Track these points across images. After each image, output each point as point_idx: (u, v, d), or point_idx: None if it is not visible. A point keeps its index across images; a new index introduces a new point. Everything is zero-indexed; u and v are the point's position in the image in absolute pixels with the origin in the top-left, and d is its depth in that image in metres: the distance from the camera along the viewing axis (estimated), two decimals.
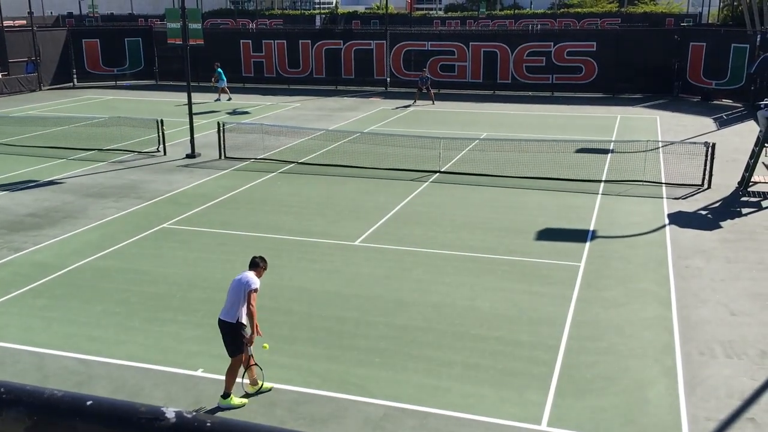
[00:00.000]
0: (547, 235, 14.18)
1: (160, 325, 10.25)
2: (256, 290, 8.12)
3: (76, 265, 12.65)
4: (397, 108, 32.48)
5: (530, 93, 37.00)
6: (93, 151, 22.49)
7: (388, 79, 39.48)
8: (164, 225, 14.95)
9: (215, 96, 34.62)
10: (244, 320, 8.15)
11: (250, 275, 8.25)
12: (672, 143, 21.97)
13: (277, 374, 8.79)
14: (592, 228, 14.62)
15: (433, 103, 33.67)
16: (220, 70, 34.72)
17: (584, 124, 27.88)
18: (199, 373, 8.86)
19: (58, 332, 10.04)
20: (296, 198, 17.01)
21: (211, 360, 9.15)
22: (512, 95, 36.67)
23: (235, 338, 8.15)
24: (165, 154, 22.02)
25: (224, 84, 34.91)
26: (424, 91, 33.82)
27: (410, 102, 33.88)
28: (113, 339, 9.81)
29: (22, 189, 18.01)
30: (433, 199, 16.96)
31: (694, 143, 19.54)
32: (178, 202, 16.71)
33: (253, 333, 8.18)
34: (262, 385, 8.38)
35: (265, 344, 8.49)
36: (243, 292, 8.09)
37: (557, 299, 11.04)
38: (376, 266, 12.49)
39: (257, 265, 8.49)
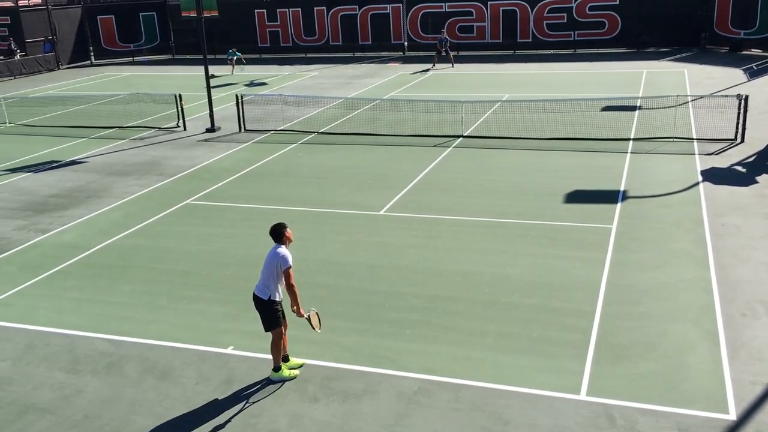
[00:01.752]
0: (577, 197, 13.84)
1: (188, 303, 10.18)
2: (290, 267, 7.77)
3: (103, 245, 12.61)
4: (416, 72, 31.98)
5: (552, 51, 36.21)
6: (113, 129, 22.43)
7: (406, 43, 38.85)
8: (188, 201, 14.86)
9: (233, 70, 34.44)
10: (277, 297, 7.93)
11: (282, 251, 7.82)
12: (702, 97, 21.34)
13: (308, 350, 8.68)
14: (622, 188, 14.25)
15: (453, 66, 33.06)
16: (231, 51, 34.93)
17: (609, 81, 27.20)
18: (230, 350, 8.79)
19: (87, 313, 10.02)
20: (318, 169, 16.81)
21: (241, 337, 9.07)
22: (533, 54, 35.93)
23: (268, 314, 7.95)
24: (185, 129, 21.90)
25: (237, 56, 34.85)
26: (443, 53, 33.19)
27: (429, 66, 33.30)
28: (142, 318, 9.77)
29: (45, 170, 18.01)
30: (458, 164, 16.65)
31: (725, 96, 18.95)
32: (201, 177, 16.60)
33: (299, 308, 7.90)
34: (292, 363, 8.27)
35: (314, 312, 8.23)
36: (276, 269, 7.81)
37: (590, 263, 10.77)
38: (403, 236, 12.29)
39: (281, 234, 7.94)
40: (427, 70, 32.63)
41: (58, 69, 39.29)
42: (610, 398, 7.49)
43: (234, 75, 33.80)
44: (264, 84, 30.74)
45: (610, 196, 13.77)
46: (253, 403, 7.73)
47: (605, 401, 7.44)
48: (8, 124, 23.71)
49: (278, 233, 7.97)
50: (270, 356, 8.16)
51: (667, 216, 12.63)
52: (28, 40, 38.83)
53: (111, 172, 17.46)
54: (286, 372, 8.14)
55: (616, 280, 10.18)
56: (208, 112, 21.80)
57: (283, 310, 8.07)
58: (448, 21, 37.24)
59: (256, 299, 8.00)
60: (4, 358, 8.90)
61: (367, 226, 12.83)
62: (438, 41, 33.50)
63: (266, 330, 8.05)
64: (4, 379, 8.43)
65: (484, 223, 12.66)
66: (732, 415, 7.13)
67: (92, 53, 41.56)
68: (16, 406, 7.89)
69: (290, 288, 7.80)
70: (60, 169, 18.10)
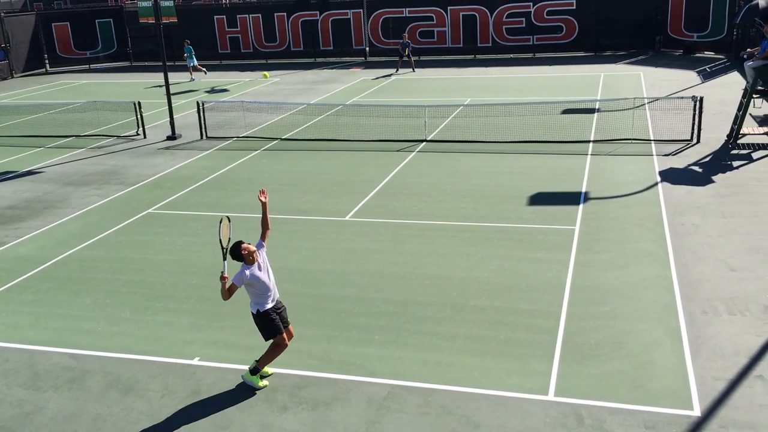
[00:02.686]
0: (540, 199, 13.99)
1: (152, 314, 9.99)
2: (234, 284, 7.76)
3: (61, 256, 12.32)
4: (378, 78, 32.01)
5: (512, 55, 36.59)
6: (71, 138, 21.96)
7: (368, 49, 38.89)
8: (149, 210, 14.60)
9: (190, 77, 33.86)
10: (267, 307, 7.94)
11: (240, 270, 7.79)
12: (658, 99, 21.78)
13: (277, 359, 8.57)
14: (584, 190, 14.44)
15: (414, 71, 33.20)
16: (189, 47, 33.63)
17: (568, 84, 27.60)
18: (196, 361, 8.64)
19: (47, 327, 9.77)
20: (282, 175, 16.69)
21: (207, 347, 8.93)
22: (494, 58, 36.25)
23: (260, 325, 8.00)
24: (145, 137, 21.55)
25: (194, 63, 33.73)
26: (406, 58, 33.31)
27: (392, 71, 33.37)
28: (105, 331, 9.55)
29: None
30: (422, 169, 16.69)
31: (681, 98, 19.37)
32: (162, 186, 16.34)
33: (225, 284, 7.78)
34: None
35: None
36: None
37: (555, 265, 10.88)
38: (370, 241, 12.27)
39: (238, 254, 7.80)
40: (390, 75, 32.71)
41: (12, 78, 38.35)
42: (577, 398, 7.57)
43: (194, 82, 33.28)
44: (225, 90, 30.44)
45: (572, 198, 13.95)
46: (222, 414, 7.61)
47: (573, 401, 7.51)
48: None
49: (235, 253, 7.81)
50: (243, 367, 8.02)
51: (628, 216, 12.84)
52: None
53: (69, 182, 17.08)
54: (259, 381, 8.04)
55: (580, 281, 10.30)
56: (168, 119, 21.49)
57: (281, 317, 8.06)
58: (409, 26, 37.35)
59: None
60: None
61: (333, 233, 12.77)
62: (401, 46, 33.60)
63: (266, 339, 8.08)
64: None
65: (449, 227, 12.71)
66: (697, 411, 7.25)
67: (47, 61, 40.67)
68: None
69: (222, 295, 7.75)
70: (15, 179, 17.64)
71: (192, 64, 33.60)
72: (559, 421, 7.21)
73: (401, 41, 33.91)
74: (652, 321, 9.10)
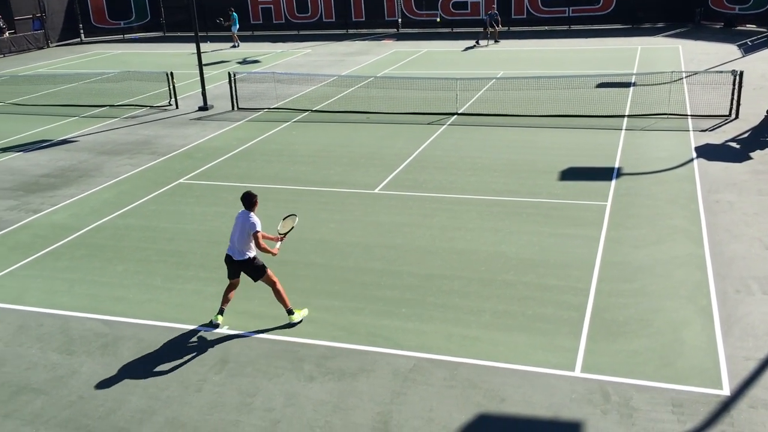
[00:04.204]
0: (571, 174, 13.80)
1: (183, 282, 10.13)
2: (259, 231, 8.39)
3: (95, 224, 12.53)
4: (467, 49, 31.49)
5: (546, 27, 35.96)
6: (105, 108, 22.21)
7: (400, 20, 38.50)
8: (180, 180, 14.75)
9: (230, 44, 34.37)
10: (254, 254, 8.54)
11: (253, 218, 8.41)
12: (696, 73, 21.26)
13: (303, 329, 8.68)
14: (617, 165, 14.21)
15: (497, 41, 32.49)
16: (235, 14, 35.06)
17: (604, 58, 27.06)
18: (225, 330, 8.76)
19: (81, 294, 9.97)
20: (312, 147, 16.70)
21: (235, 317, 9.04)
22: (528, 31, 35.65)
23: (252, 269, 8.59)
24: (177, 107, 21.70)
25: (236, 30, 34.88)
26: (490, 29, 32.44)
27: (473, 42, 32.59)
28: (137, 299, 9.73)
29: (36, 149, 17.85)
30: (452, 142, 16.56)
31: (720, 72, 18.87)
32: (193, 156, 16.48)
33: (275, 252, 8.64)
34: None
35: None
36: (247, 235, 8.39)
37: (585, 241, 10.75)
38: (398, 214, 12.25)
39: (252, 202, 8.53)
40: (473, 46, 32.05)
41: (48, 47, 38.82)
42: (604, 375, 7.52)
43: (235, 50, 33.89)
44: (257, 62, 30.46)
45: (605, 173, 13.74)
46: (248, 382, 7.73)
47: (600, 378, 7.47)
48: None
49: (250, 201, 8.53)
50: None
51: (662, 193, 12.61)
52: (16, 18, 38.29)
53: (102, 151, 17.31)
54: (297, 315, 8.77)
55: (610, 257, 10.18)
56: (200, 90, 21.60)
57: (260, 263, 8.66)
58: None
59: (237, 262, 8.55)
60: None
61: (361, 205, 12.77)
62: (487, 16, 32.85)
63: (256, 280, 8.67)
64: None
65: (479, 201, 12.62)
66: (726, 391, 7.16)
67: (82, 31, 41.05)
68: (10, 387, 7.86)
69: (262, 250, 8.44)
70: (51, 148, 17.93)
71: (234, 32, 34.85)
72: (585, 397, 7.18)
73: (489, 12, 33.11)
74: (682, 299, 8.97)
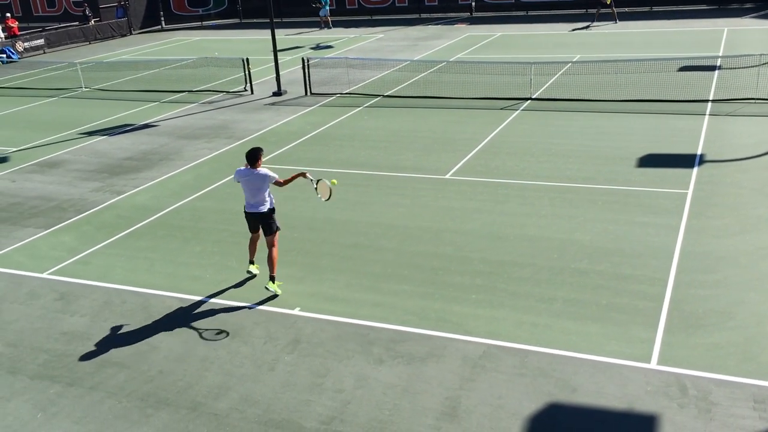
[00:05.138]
0: (650, 161, 13.36)
1: (257, 264, 10.36)
2: (277, 179, 9.22)
3: (174, 206, 12.96)
4: (575, 30, 30.91)
5: (627, 9, 34.77)
6: (183, 93, 22.87)
7: (473, 4, 38.00)
8: None
9: (322, 26, 35.50)
10: (271, 206, 9.35)
11: (264, 171, 9.15)
12: None
13: (373, 312, 8.75)
14: (699, 152, 13.67)
15: (616, 22, 31.74)
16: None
17: (687, 40, 25.99)
18: (297, 312, 8.93)
19: (160, 272, 10.35)
20: (384, 132, 16.74)
21: (307, 299, 9.20)
22: (607, 13, 34.59)
23: (272, 220, 9.34)
24: (252, 92, 22.13)
25: (326, 13, 36.32)
26: (608, 8, 31.52)
27: (587, 24, 31.95)
28: (213, 279, 10.02)
29: (119, 133, 18.56)
30: (525, 127, 16.29)
31: None
32: (268, 140, 16.78)
33: (302, 175, 9.50)
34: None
35: (334, 180, 9.39)
36: (266, 184, 9.20)
37: (663, 230, 10.41)
38: (469, 200, 12.16)
39: (257, 158, 9.17)
40: (588, 26, 31.45)
41: (131, 34, 40.19)
42: (682, 368, 7.29)
43: (325, 30, 35.45)
44: (329, 47, 30.69)
45: (686, 160, 13.24)
46: (319, 363, 7.86)
47: (677, 371, 7.25)
48: (84, 89, 24.48)
49: (255, 157, 9.17)
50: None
51: (747, 181, 12.07)
52: (101, 6, 39.84)
53: (182, 136, 17.85)
54: (274, 285, 9.23)
55: (691, 247, 9.83)
56: (274, 75, 21.95)
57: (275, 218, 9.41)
58: None
59: (259, 216, 9.31)
60: (83, 314, 9.31)
61: (432, 190, 12.74)
62: None
63: (269, 234, 9.31)
64: (84, 334, 8.82)
65: (552, 188, 12.39)
66: None
67: (162, 18, 42.30)
68: (95, 360, 8.25)
69: (284, 185, 9.41)
70: (133, 132, 18.61)
71: (324, 15, 36.47)
72: (661, 390, 6.98)
73: None
74: (767, 292, 8.58)
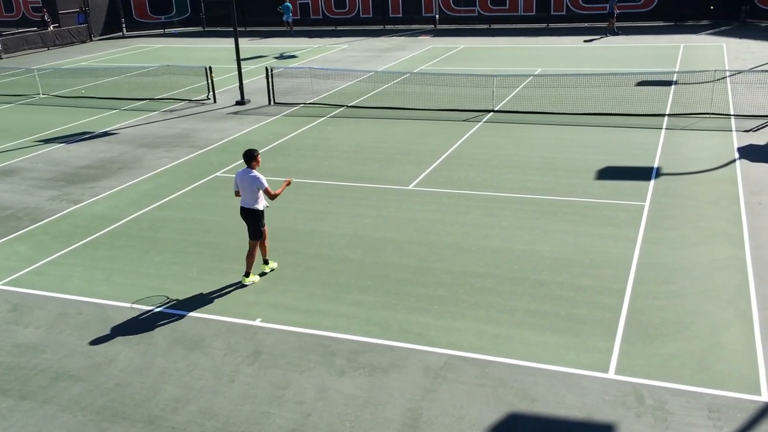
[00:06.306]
0: (609, 174, 13.61)
1: (218, 274, 10.25)
2: (267, 187, 9.51)
3: (134, 216, 12.75)
4: (587, 41, 31.38)
5: (586, 24, 35.49)
6: (144, 101, 22.58)
7: (437, 16, 38.36)
8: (217, 174, 14.93)
9: (280, 38, 35.50)
10: (263, 206, 9.68)
11: (255, 174, 9.52)
12: (741, 72, 20.76)
13: (335, 323, 8.72)
14: (656, 165, 13.97)
15: (617, 33, 32.21)
16: (287, 4, 37.16)
17: (645, 56, 26.62)
18: (258, 322, 8.85)
19: (119, 283, 10.16)
20: (347, 142, 16.75)
21: (269, 309, 9.12)
22: (567, 27, 35.23)
23: (257, 224, 9.67)
24: (215, 101, 21.96)
25: (288, 18, 37.24)
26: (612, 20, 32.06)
27: (594, 37, 32.36)
28: (173, 289, 9.87)
29: (78, 141, 18.22)
30: (488, 139, 16.46)
31: (765, 71, 18.39)
32: (230, 150, 16.65)
33: (288, 184, 9.98)
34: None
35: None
36: (255, 189, 9.52)
37: (621, 241, 10.60)
38: (432, 211, 12.22)
39: (253, 158, 9.63)
40: (600, 37, 31.86)
41: (91, 41, 39.58)
42: (639, 377, 7.41)
43: (289, 40, 35.68)
44: (294, 57, 30.64)
45: (643, 173, 13.52)
46: (280, 375, 7.79)
47: (634, 380, 7.36)
48: (41, 95, 24.00)
49: (251, 157, 9.65)
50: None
51: (702, 194, 12.37)
52: (61, 12, 39.15)
53: (142, 144, 17.60)
54: (248, 279, 9.80)
55: (648, 258, 10.02)
56: (237, 84, 21.81)
57: (263, 222, 9.77)
58: None
59: (249, 211, 9.66)
60: (37, 325, 9.08)
61: (395, 201, 12.77)
62: (609, 5, 32.38)
63: (252, 238, 9.70)
64: (38, 346, 8.60)
65: (514, 199, 12.53)
66: (764, 397, 7.00)
67: (124, 25, 41.77)
68: (49, 373, 8.05)
69: (276, 196, 9.71)
70: (92, 140, 18.29)
71: (286, 20, 37.50)
72: (618, 399, 7.08)
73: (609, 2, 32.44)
74: (722, 302, 8.79)
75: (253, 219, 9.69)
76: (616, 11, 32.04)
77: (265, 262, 10.16)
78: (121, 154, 16.76)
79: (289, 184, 10.04)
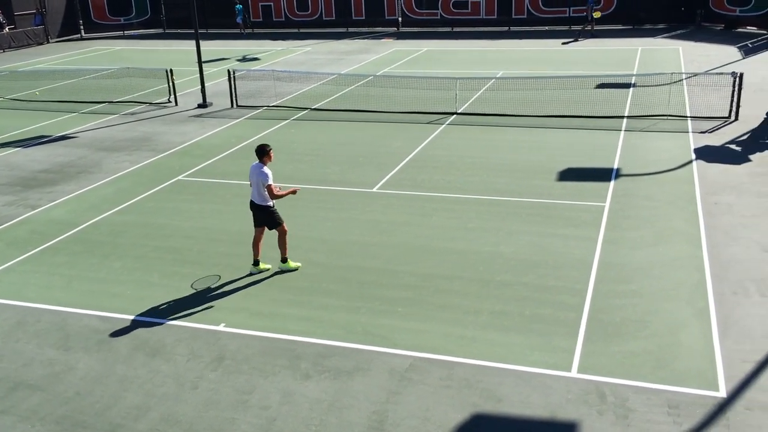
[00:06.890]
0: (570, 175, 13.80)
1: (180, 279, 10.12)
2: (271, 184, 9.52)
3: (93, 220, 12.51)
4: (565, 42, 31.60)
5: (547, 28, 35.96)
6: (104, 104, 22.19)
7: (400, 19, 38.49)
8: (179, 177, 14.74)
9: (227, 42, 34.65)
10: (271, 202, 9.76)
11: (265, 170, 9.57)
12: (696, 74, 21.25)
13: (300, 327, 8.67)
14: (615, 166, 14.21)
15: (592, 30, 32.57)
16: (238, 6, 37.68)
17: (604, 58, 27.07)
18: (221, 328, 8.75)
19: (78, 290, 9.96)
20: (310, 145, 16.69)
21: (232, 314, 9.03)
22: (528, 31, 35.65)
23: (272, 217, 9.79)
24: (176, 104, 21.68)
25: (240, 20, 37.78)
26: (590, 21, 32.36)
27: (571, 40, 32.44)
28: (134, 295, 9.71)
29: (34, 145, 17.82)
30: (451, 141, 16.56)
31: (720, 74, 18.86)
32: (192, 153, 16.46)
33: (291, 192, 10.01)
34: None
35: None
36: (261, 185, 9.56)
37: (583, 241, 10.76)
38: (396, 213, 12.24)
39: (265, 153, 9.70)
40: (577, 39, 32.04)
41: (48, 43, 38.76)
42: (601, 376, 7.52)
43: (251, 42, 35.55)
44: (256, 59, 30.43)
45: (603, 174, 13.74)
46: (245, 380, 7.72)
47: (596, 379, 7.47)
48: None
49: (263, 152, 9.71)
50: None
51: (661, 194, 12.61)
52: (17, 13, 38.22)
53: (101, 148, 17.29)
54: (291, 264, 10.04)
55: (608, 258, 10.18)
56: (199, 87, 21.57)
57: (278, 215, 9.84)
58: None
59: (258, 207, 9.76)
60: None
61: (360, 204, 12.76)
62: (588, 3, 32.47)
63: (271, 228, 9.87)
64: None
65: (478, 201, 12.62)
66: (722, 393, 7.16)
67: (82, 27, 40.99)
68: (6, 382, 7.85)
69: (277, 198, 9.72)
70: (50, 144, 17.91)
71: (240, 21, 37.85)
72: (581, 397, 7.18)
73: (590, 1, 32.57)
74: (680, 301, 8.97)
75: (264, 214, 9.79)
76: (588, 14, 32.47)
77: (256, 263, 10.11)
78: (80, 158, 16.45)
79: (294, 192, 10.05)
